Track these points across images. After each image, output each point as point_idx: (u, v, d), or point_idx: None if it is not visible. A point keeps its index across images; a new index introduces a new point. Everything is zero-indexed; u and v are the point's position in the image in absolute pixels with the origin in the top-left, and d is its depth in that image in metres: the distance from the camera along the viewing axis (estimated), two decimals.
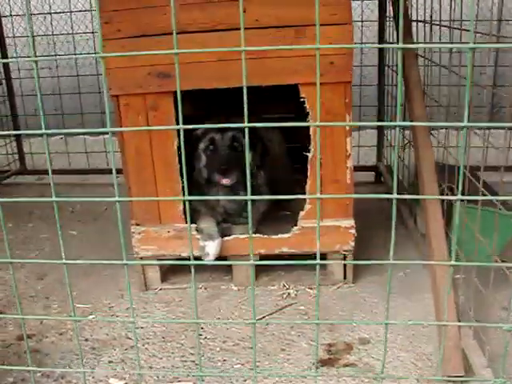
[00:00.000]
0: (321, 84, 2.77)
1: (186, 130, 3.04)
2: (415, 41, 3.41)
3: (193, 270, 1.43)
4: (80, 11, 5.32)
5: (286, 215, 3.58)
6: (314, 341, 2.65)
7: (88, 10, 5.26)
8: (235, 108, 3.30)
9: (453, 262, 1.33)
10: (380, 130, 4.95)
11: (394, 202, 1.37)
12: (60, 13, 5.34)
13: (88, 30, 5.44)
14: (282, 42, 2.69)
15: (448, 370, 2.30)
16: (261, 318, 2.84)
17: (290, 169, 4.02)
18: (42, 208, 4.48)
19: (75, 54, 5.21)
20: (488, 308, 2.71)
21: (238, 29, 2.72)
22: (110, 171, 4.99)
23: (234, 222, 3.25)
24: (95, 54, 5.20)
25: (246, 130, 1.34)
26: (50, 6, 5.46)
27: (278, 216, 3.56)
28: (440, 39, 3.69)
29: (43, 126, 1.31)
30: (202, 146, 3.14)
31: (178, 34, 1.23)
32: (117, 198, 1.39)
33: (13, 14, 5.47)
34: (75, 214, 4.41)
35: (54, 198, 1.40)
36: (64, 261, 1.44)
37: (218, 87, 2.75)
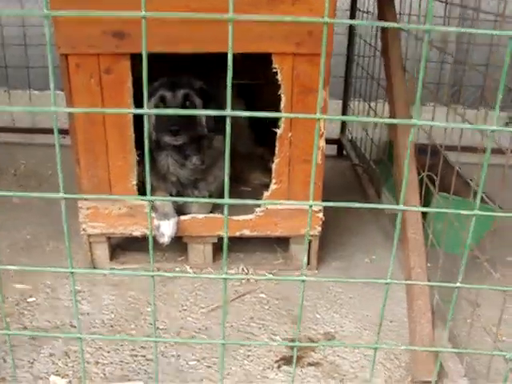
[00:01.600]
0: (296, 55, 2.56)
1: (137, 88, 2.75)
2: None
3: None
4: None
5: (245, 191, 3.36)
6: (276, 334, 2.47)
7: None
8: (186, 67, 3.02)
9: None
10: (345, 102, 4.73)
11: (400, 215, 1.16)
12: None
13: None
14: (256, 5, 2.42)
15: (419, 373, 2.16)
16: (218, 307, 2.63)
17: (252, 142, 3.77)
18: None
19: None
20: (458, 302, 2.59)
21: None
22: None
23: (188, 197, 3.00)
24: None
25: (228, 120, 1.10)
26: None
27: (236, 192, 3.32)
28: None
29: None
30: (151, 104, 2.82)
31: None
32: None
33: None
34: (18, 178, 4.06)
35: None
36: None
37: (183, 51, 2.46)
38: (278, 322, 2.54)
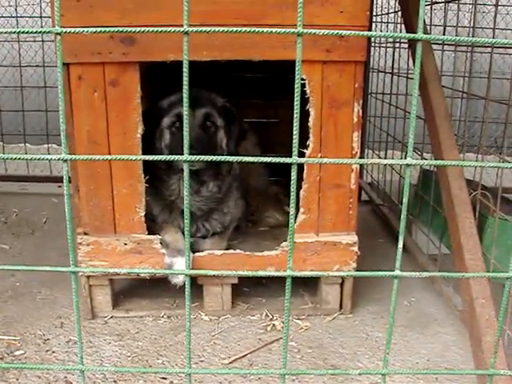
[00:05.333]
0: (326, 63, 2.25)
1: (146, 101, 2.41)
2: None
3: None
4: None
5: (265, 231, 3.01)
6: None
7: None
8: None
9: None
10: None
11: None
12: None
13: None
14: (281, 6, 2.15)
15: None
16: (241, 357, 2.22)
17: (266, 179, 3.45)
18: None
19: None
20: None
21: None
22: (53, 179, 4.31)
23: (199, 231, 2.66)
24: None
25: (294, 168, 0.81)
26: None
27: (251, 232, 2.98)
28: None
29: None
30: (166, 121, 2.49)
31: None
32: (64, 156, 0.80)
33: None
34: (8, 226, 3.69)
35: None
36: None
37: (201, 59, 2.16)
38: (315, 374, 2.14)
